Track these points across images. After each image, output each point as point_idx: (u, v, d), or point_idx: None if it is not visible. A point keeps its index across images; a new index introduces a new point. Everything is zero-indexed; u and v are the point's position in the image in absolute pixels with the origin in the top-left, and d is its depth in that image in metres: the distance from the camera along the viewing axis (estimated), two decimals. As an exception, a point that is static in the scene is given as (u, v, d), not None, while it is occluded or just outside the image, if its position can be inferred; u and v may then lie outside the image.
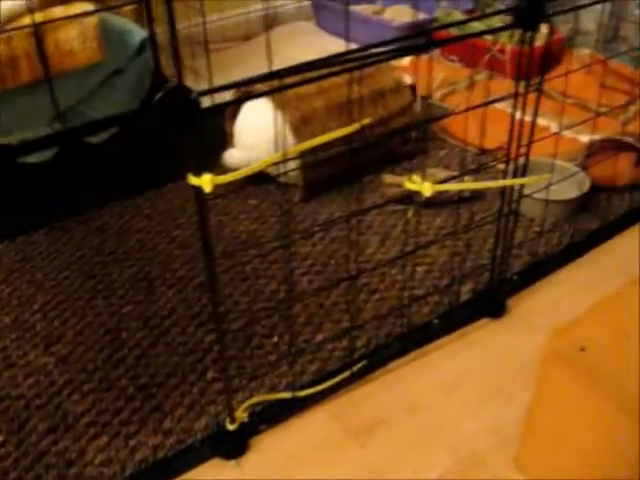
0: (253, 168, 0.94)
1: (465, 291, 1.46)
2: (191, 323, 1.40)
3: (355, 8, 2.74)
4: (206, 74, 1.99)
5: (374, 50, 1.04)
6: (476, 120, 1.98)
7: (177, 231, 1.65)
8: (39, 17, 1.32)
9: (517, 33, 1.16)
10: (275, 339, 1.35)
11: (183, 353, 1.33)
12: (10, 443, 1.18)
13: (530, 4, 1.08)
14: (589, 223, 1.66)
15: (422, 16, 2.62)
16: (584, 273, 1.53)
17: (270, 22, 2.77)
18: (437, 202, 1.71)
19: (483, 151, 1.92)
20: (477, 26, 2.15)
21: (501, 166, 1.26)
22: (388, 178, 1.75)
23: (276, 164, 1.00)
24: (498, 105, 1.26)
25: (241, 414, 1.17)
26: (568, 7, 1.97)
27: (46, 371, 1.31)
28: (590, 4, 1.42)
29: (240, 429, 1.17)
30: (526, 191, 1.55)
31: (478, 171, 1.74)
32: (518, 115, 1.23)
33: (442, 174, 1.71)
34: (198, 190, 0.89)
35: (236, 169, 0.98)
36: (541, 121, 1.94)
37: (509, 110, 1.22)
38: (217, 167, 1.82)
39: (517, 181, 1.25)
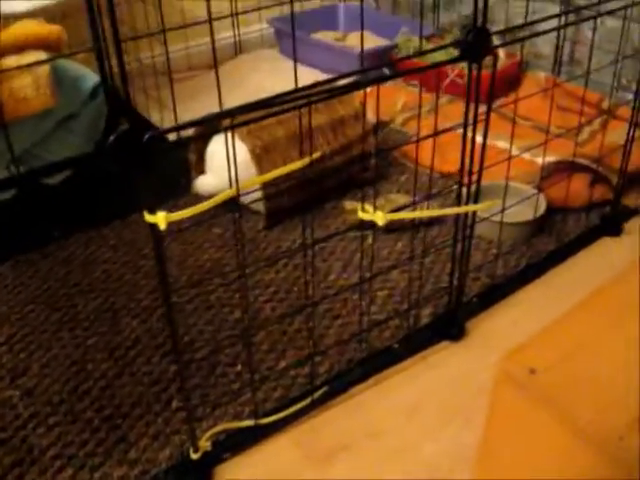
0: (208, 204, 0.97)
1: (425, 315, 1.49)
2: (156, 353, 1.42)
3: (317, 35, 2.79)
4: (171, 104, 2.03)
5: (334, 83, 1.08)
6: (436, 145, 2.03)
7: (142, 261, 1.67)
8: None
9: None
10: (238, 367, 1.37)
11: (148, 383, 1.35)
12: (-25, 478, 1.19)
13: (475, 38, 1.11)
14: (546, 244, 1.70)
15: (383, 43, 2.67)
16: (541, 294, 1.57)
17: (235, 50, 2.81)
18: (398, 227, 1.74)
19: (443, 175, 1.97)
20: (438, 56, 2.20)
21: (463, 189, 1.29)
22: (349, 205, 1.78)
23: (231, 199, 1.03)
24: (459, 129, 1.29)
25: (204, 443, 1.19)
26: (517, 37, 2.03)
27: (11, 404, 1.32)
28: (532, 35, 1.47)
29: (204, 458, 1.19)
30: (484, 214, 1.60)
31: (437, 196, 1.78)
32: (478, 139, 1.26)
33: (403, 199, 1.75)
34: (153, 227, 0.91)
35: (210, 196, 1.00)
36: (500, 144, 1.98)
37: (469, 134, 1.24)
38: (181, 196, 1.85)
39: (468, 208, 1.28)
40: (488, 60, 1.18)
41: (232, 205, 1.05)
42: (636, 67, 1.59)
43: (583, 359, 1.03)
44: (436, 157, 1.99)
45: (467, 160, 1.25)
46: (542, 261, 1.65)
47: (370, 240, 1.68)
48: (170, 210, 0.93)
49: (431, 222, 1.77)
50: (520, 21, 1.33)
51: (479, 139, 1.27)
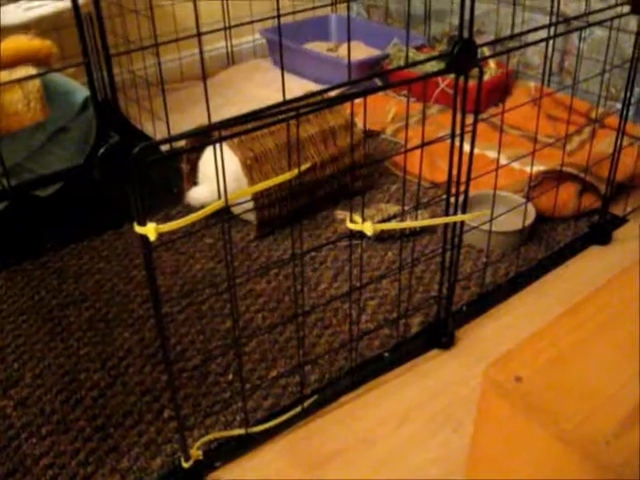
0: (198, 215, 0.98)
1: (415, 323, 1.50)
2: (148, 363, 1.43)
3: (309, 46, 2.81)
4: (163, 115, 2.04)
5: (324, 94, 1.09)
6: (426, 155, 2.05)
7: (135, 271, 1.68)
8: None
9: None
10: (230, 376, 1.38)
11: (140, 393, 1.36)
12: (-33, 488, 1.19)
13: (461, 50, 1.13)
14: (535, 253, 1.71)
15: (375, 53, 2.69)
16: (531, 302, 1.59)
17: (228, 60, 2.83)
18: (389, 236, 1.76)
19: (434, 185, 1.98)
20: (428, 66, 2.22)
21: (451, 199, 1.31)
22: (340, 214, 1.80)
23: (220, 210, 1.04)
24: (448, 139, 1.31)
25: (196, 452, 1.20)
26: (505, 48, 2.05)
27: (4, 414, 1.33)
28: (520, 47, 1.49)
29: (195, 467, 1.20)
30: (474, 223, 1.61)
31: (426, 206, 1.80)
32: (467, 148, 1.27)
33: (393, 209, 1.77)
34: (144, 238, 0.92)
35: (202, 206, 1.01)
36: (490, 154, 2.00)
37: (458, 144, 1.25)
38: (174, 206, 1.87)
39: (455, 218, 1.29)
40: (476, 71, 1.20)
41: (222, 216, 1.06)
42: (624, 77, 1.61)
43: (569, 366, 1.04)
44: (427, 167, 2.02)
45: (455, 170, 1.26)
46: (531, 270, 1.67)
47: (361, 249, 1.69)
48: (163, 220, 0.95)
49: (421, 231, 1.78)
50: (511, 32, 1.35)
51: (468, 149, 1.28)
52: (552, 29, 1.95)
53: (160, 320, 1.02)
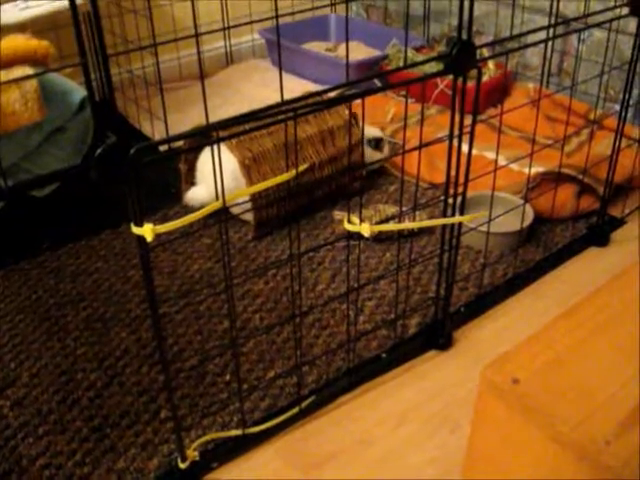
0: (195, 216, 0.98)
1: (413, 324, 1.50)
2: (145, 362, 1.42)
3: (308, 46, 2.80)
4: (162, 115, 2.04)
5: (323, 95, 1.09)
6: (425, 155, 2.05)
7: (132, 271, 1.68)
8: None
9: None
10: (227, 377, 1.38)
11: (137, 393, 1.36)
12: (-37, 489, 1.19)
13: (459, 52, 1.13)
14: (533, 254, 1.71)
15: (374, 53, 2.68)
16: (529, 303, 1.58)
17: (227, 60, 2.83)
18: (387, 237, 1.76)
19: (433, 185, 1.98)
20: (428, 67, 2.22)
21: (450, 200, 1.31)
22: (338, 215, 1.80)
23: (218, 210, 1.04)
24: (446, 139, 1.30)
25: (192, 452, 1.20)
26: (504, 49, 2.04)
27: (1, 414, 1.32)
28: (519, 48, 1.48)
29: (192, 467, 1.19)
30: (472, 224, 1.61)
31: (424, 207, 1.80)
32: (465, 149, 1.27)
33: (391, 210, 1.76)
34: (141, 239, 0.92)
35: (200, 207, 1.01)
36: (489, 155, 2.00)
37: (457, 145, 1.25)
38: (172, 206, 1.86)
39: (453, 220, 1.29)
40: (475, 72, 1.19)
41: (220, 216, 1.06)
42: (623, 78, 1.61)
43: (566, 368, 1.04)
44: (425, 167, 2.02)
45: (454, 171, 1.26)
46: (529, 271, 1.67)
47: (359, 250, 1.69)
48: (161, 220, 0.95)
49: (419, 232, 1.78)
50: (509, 33, 1.35)
51: (466, 150, 1.28)
52: (551, 30, 1.95)
53: (157, 320, 1.02)
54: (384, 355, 1.44)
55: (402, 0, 2.87)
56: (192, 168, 1.84)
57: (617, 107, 1.67)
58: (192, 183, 1.83)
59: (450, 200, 1.31)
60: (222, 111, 2.30)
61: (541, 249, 1.73)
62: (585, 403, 0.97)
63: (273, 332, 1.49)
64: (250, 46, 2.92)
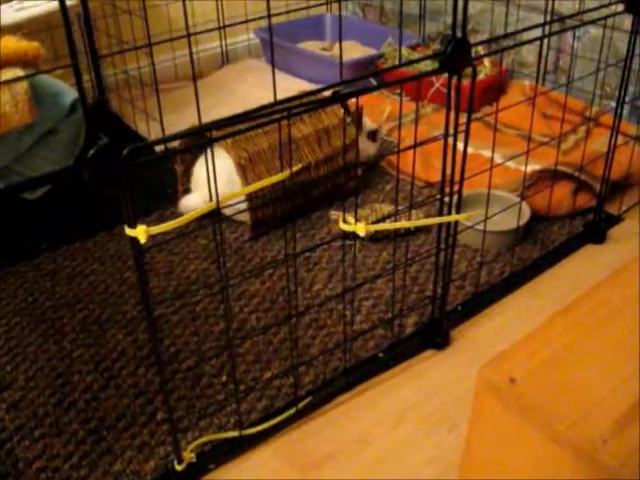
0: (189, 217, 0.97)
1: (410, 324, 1.50)
2: (141, 364, 1.42)
3: (304, 45, 2.80)
4: (157, 116, 2.03)
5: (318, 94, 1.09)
6: (421, 154, 2.05)
7: (128, 273, 1.68)
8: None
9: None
10: (224, 378, 1.38)
11: (133, 395, 1.35)
12: (-40, 492, 1.19)
13: (454, 50, 1.12)
14: (530, 252, 1.71)
15: (370, 52, 2.68)
16: (526, 302, 1.58)
17: (222, 60, 2.82)
18: (384, 236, 1.75)
19: (429, 184, 1.98)
20: (423, 66, 2.21)
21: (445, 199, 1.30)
22: (334, 215, 1.79)
23: (213, 212, 1.04)
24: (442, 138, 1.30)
25: (189, 454, 1.19)
26: (500, 47, 2.04)
27: (-3, 418, 1.32)
28: (514, 45, 1.48)
29: (188, 469, 1.19)
30: (469, 223, 1.61)
31: (419, 206, 1.79)
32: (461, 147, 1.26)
33: (387, 209, 1.76)
34: (134, 240, 0.92)
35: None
36: (485, 153, 2.00)
37: (453, 144, 1.24)
38: (168, 206, 1.86)
39: (448, 218, 1.29)
40: (470, 70, 1.19)
41: (214, 217, 1.05)
42: (619, 75, 1.60)
43: (563, 366, 1.04)
44: (421, 166, 2.01)
45: (449, 170, 1.26)
46: (526, 269, 1.66)
47: (356, 249, 1.68)
48: (157, 221, 0.94)
49: (416, 231, 1.78)
50: (505, 31, 1.34)
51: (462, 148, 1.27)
52: (546, 28, 1.95)
53: (152, 322, 1.01)
54: (381, 355, 1.43)
55: (397, -1, 2.87)
56: (188, 169, 1.83)
57: (613, 104, 1.67)
58: (187, 190, 1.82)
59: (446, 199, 1.30)
60: (216, 111, 2.28)
61: (538, 247, 1.73)
62: (582, 401, 0.96)
63: (270, 332, 1.48)
64: (246, 46, 2.91)
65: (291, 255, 1.51)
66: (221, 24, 2.28)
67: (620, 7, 1.49)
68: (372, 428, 1.29)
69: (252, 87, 2.59)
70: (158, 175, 1.93)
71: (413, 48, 2.59)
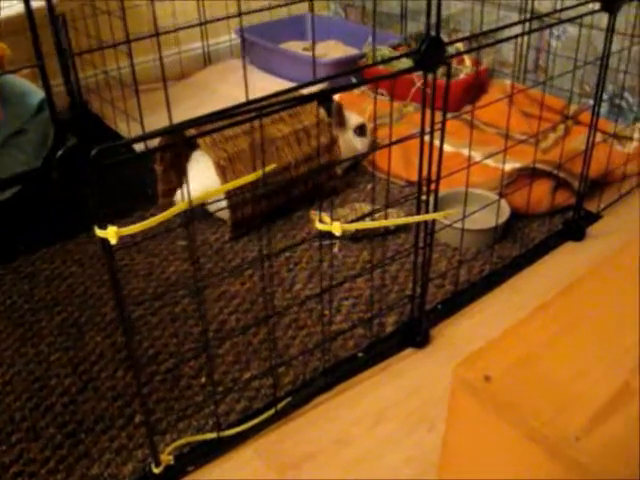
0: (161, 217, 0.97)
1: (389, 323, 1.50)
2: (120, 367, 1.41)
3: (285, 45, 2.80)
4: (138, 116, 2.02)
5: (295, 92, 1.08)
6: (401, 153, 2.05)
7: (107, 275, 1.65)
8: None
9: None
10: (203, 379, 1.37)
11: (111, 397, 1.34)
12: None
13: (428, 48, 1.12)
14: (510, 250, 1.71)
15: (352, 52, 2.68)
16: (505, 299, 1.58)
17: (204, 60, 2.82)
18: (364, 236, 1.75)
19: (410, 183, 1.98)
20: (404, 63, 2.21)
21: (423, 197, 1.30)
22: (314, 214, 1.79)
23: (192, 210, 1.03)
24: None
25: (166, 457, 1.18)
26: (477, 45, 2.04)
27: (-27, 422, 1.31)
28: (492, 43, 1.48)
29: (166, 472, 1.18)
30: (448, 221, 1.61)
31: (397, 205, 1.79)
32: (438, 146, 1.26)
33: (367, 208, 1.76)
34: (104, 242, 0.91)
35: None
36: (465, 151, 2.00)
37: (436, 142, 1.24)
38: (148, 207, 1.85)
39: (425, 217, 1.29)
40: (453, 69, 1.19)
41: (188, 216, 1.05)
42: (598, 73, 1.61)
43: (538, 364, 1.04)
44: (402, 165, 2.01)
45: (426, 168, 1.26)
46: (506, 267, 1.66)
47: (336, 249, 1.68)
48: (138, 221, 0.94)
49: (397, 230, 1.78)
50: (484, 29, 1.34)
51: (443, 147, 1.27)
52: (525, 26, 1.95)
53: (126, 323, 1.01)
54: (360, 354, 1.43)
55: (379, -1, 2.87)
56: (168, 169, 1.82)
57: (592, 102, 1.67)
58: (170, 184, 1.82)
59: (424, 197, 1.30)
60: (199, 112, 2.28)
61: (517, 245, 1.73)
62: (558, 398, 0.96)
63: (249, 333, 1.48)
64: (228, 46, 2.90)
65: (268, 255, 1.50)
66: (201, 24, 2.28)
67: (597, 5, 1.49)
68: (351, 428, 1.29)
69: (234, 87, 2.58)
70: (138, 176, 1.93)
71: (395, 47, 2.58)
